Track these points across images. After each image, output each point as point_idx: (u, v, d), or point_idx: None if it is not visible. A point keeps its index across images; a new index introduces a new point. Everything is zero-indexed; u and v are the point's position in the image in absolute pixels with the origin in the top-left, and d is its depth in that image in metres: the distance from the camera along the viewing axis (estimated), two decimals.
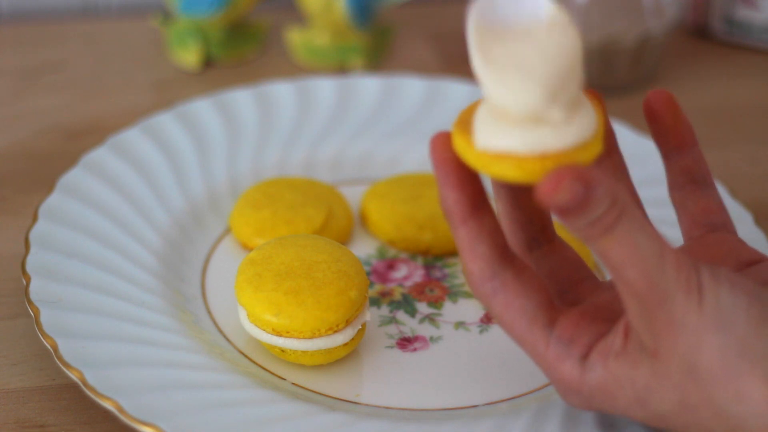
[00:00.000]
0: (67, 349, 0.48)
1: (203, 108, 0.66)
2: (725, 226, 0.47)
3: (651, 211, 0.49)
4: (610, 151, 0.47)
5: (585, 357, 0.42)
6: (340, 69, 0.76)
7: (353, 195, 0.62)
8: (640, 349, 0.41)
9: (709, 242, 0.46)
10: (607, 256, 0.40)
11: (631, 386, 0.41)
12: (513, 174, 0.40)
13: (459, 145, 0.42)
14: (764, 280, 0.44)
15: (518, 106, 0.40)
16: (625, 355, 0.41)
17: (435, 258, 0.58)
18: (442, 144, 0.43)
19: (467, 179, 0.42)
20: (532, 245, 0.46)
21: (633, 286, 0.40)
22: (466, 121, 0.42)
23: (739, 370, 0.39)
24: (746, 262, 0.45)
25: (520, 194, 0.45)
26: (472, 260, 0.43)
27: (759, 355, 0.39)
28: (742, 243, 0.46)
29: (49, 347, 0.48)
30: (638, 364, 0.41)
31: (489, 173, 0.41)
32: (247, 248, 0.58)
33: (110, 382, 0.47)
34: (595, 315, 0.43)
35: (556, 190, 0.38)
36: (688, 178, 0.47)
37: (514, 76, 0.40)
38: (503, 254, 0.43)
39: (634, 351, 0.41)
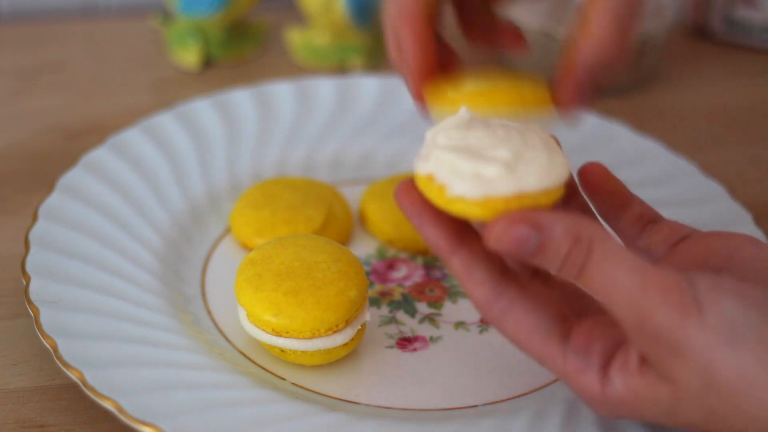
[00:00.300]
0: (66, 349, 0.48)
1: (203, 108, 0.66)
2: (697, 231, 0.46)
3: None
4: (575, 194, 0.47)
5: (604, 368, 0.41)
6: (340, 69, 0.76)
7: (353, 195, 0.62)
8: (657, 374, 0.40)
9: (691, 244, 0.45)
10: (593, 293, 0.40)
11: (656, 404, 0.41)
12: (474, 212, 0.41)
13: (422, 183, 0.43)
14: (756, 268, 0.43)
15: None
16: (642, 376, 0.41)
17: (435, 258, 0.58)
18: (406, 189, 0.43)
19: (441, 214, 0.43)
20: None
21: (624, 321, 0.39)
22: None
23: (760, 380, 0.39)
24: (737, 245, 0.44)
25: None
26: (473, 288, 0.43)
27: None
28: (724, 231, 0.46)
29: (48, 347, 0.48)
30: (657, 386, 0.40)
31: (452, 211, 0.42)
32: (247, 248, 0.58)
33: (110, 382, 0.47)
34: (609, 322, 0.43)
35: (497, 234, 0.39)
36: (644, 221, 0.47)
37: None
38: (503, 274, 0.43)
39: (651, 375, 0.40)
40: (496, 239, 0.40)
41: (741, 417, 0.39)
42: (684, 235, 0.46)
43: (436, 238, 0.43)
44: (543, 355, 0.43)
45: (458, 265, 0.43)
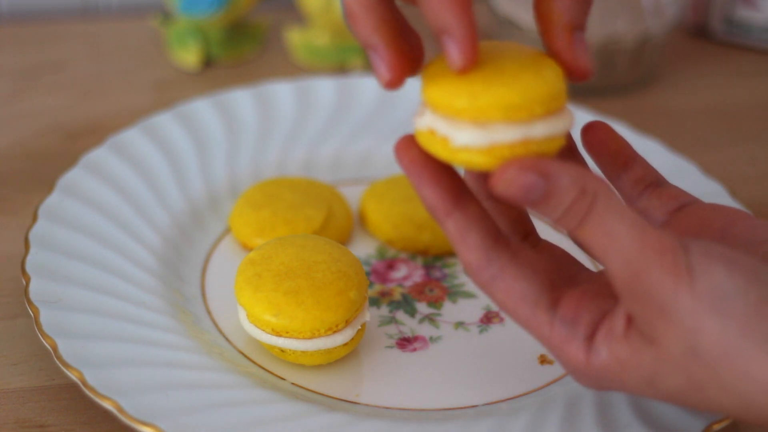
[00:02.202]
0: (66, 349, 0.48)
1: (203, 108, 0.66)
2: (697, 200, 0.46)
3: None
4: (572, 150, 0.47)
5: (590, 338, 0.41)
6: (340, 69, 0.76)
7: (353, 195, 0.62)
8: (642, 336, 0.40)
9: (690, 213, 0.45)
10: (588, 247, 0.40)
11: (638, 370, 0.41)
12: (479, 161, 0.40)
13: (423, 138, 0.42)
14: (759, 237, 0.43)
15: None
16: (627, 341, 0.41)
17: (435, 258, 0.58)
18: (406, 146, 0.43)
19: (440, 173, 0.43)
20: (529, 230, 0.46)
21: (617, 277, 0.39)
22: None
23: (743, 351, 0.39)
24: (732, 218, 0.44)
25: (497, 206, 0.46)
26: (466, 251, 0.43)
27: (764, 336, 0.39)
28: (722, 205, 0.46)
29: (48, 347, 0.48)
30: (641, 350, 0.40)
31: (457, 162, 0.41)
32: (246, 248, 0.58)
33: (110, 382, 0.47)
34: (598, 292, 0.43)
35: (508, 180, 0.39)
36: (645, 184, 0.47)
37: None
38: (496, 239, 0.43)
39: (636, 338, 0.41)
40: (506, 185, 0.39)
41: (719, 388, 0.40)
42: (683, 203, 0.46)
43: (433, 199, 0.43)
44: (530, 323, 0.43)
45: (452, 227, 0.43)
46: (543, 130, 0.41)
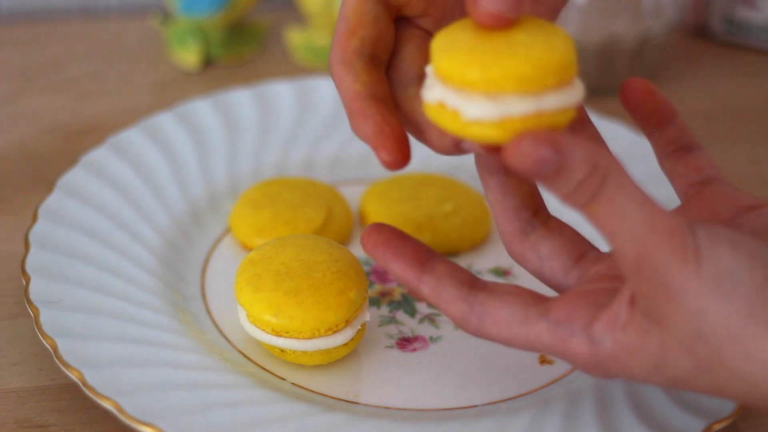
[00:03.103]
0: (66, 349, 0.48)
1: (203, 108, 0.66)
2: (719, 179, 0.46)
3: None
4: (584, 123, 0.47)
5: (588, 328, 0.41)
6: None
7: (353, 195, 0.62)
8: (648, 318, 0.40)
9: (705, 195, 0.46)
10: (598, 225, 0.40)
11: (644, 355, 0.41)
12: (492, 134, 0.40)
13: (432, 112, 0.41)
14: (763, 228, 0.43)
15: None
16: (633, 325, 0.41)
17: None
18: (368, 234, 0.45)
19: (403, 247, 0.45)
20: (528, 230, 0.46)
21: (625, 256, 0.39)
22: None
23: (747, 333, 0.39)
24: (745, 207, 0.44)
25: (508, 181, 0.46)
26: (447, 307, 0.44)
27: (766, 317, 0.39)
28: (738, 191, 0.46)
29: (48, 347, 0.48)
30: (647, 333, 0.40)
31: (468, 136, 0.40)
32: (247, 248, 0.58)
33: (110, 382, 0.47)
34: (588, 289, 0.43)
35: (523, 152, 0.38)
36: (676, 146, 0.47)
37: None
38: (471, 284, 0.44)
39: (642, 320, 0.40)
40: (520, 158, 0.38)
41: (726, 370, 0.40)
42: (706, 178, 0.46)
43: (402, 272, 0.45)
44: (530, 339, 0.43)
45: (427, 291, 0.44)
46: (555, 101, 0.40)
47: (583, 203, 0.39)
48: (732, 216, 0.44)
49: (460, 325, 0.44)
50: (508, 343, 0.43)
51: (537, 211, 0.46)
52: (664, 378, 0.41)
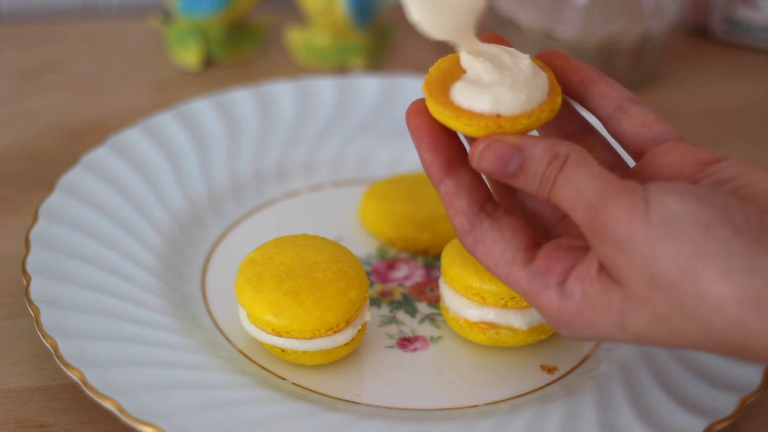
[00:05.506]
0: (67, 349, 0.48)
1: (203, 108, 0.66)
2: (676, 137, 0.46)
3: None
4: (570, 114, 0.49)
5: (562, 284, 0.43)
6: (340, 69, 0.76)
7: (353, 195, 0.62)
8: (610, 277, 0.42)
9: (663, 152, 0.46)
10: (561, 206, 0.42)
11: (608, 310, 0.42)
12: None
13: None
14: (723, 179, 0.43)
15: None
16: (599, 282, 0.42)
17: (435, 258, 0.58)
18: (416, 111, 0.46)
19: (441, 140, 0.46)
20: (513, 191, 0.48)
21: (582, 223, 0.41)
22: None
23: (695, 271, 0.39)
24: (706, 162, 0.45)
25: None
26: (454, 215, 0.46)
27: (711, 254, 0.39)
28: (697, 146, 0.46)
29: (49, 347, 0.48)
30: (610, 290, 0.42)
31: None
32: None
33: (110, 382, 0.47)
34: (570, 245, 0.44)
35: (479, 155, 0.43)
36: (613, 103, 0.47)
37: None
38: (482, 207, 0.46)
39: (606, 279, 0.42)
40: (479, 158, 0.43)
41: (682, 315, 0.40)
42: (657, 135, 0.46)
43: (429, 163, 0.46)
44: (509, 280, 0.45)
45: (444, 192, 0.46)
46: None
47: (548, 191, 0.42)
48: (693, 172, 0.45)
49: (457, 236, 0.46)
50: (491, 272, 0.45)
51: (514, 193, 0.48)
52: (627, 334, 0.42)
